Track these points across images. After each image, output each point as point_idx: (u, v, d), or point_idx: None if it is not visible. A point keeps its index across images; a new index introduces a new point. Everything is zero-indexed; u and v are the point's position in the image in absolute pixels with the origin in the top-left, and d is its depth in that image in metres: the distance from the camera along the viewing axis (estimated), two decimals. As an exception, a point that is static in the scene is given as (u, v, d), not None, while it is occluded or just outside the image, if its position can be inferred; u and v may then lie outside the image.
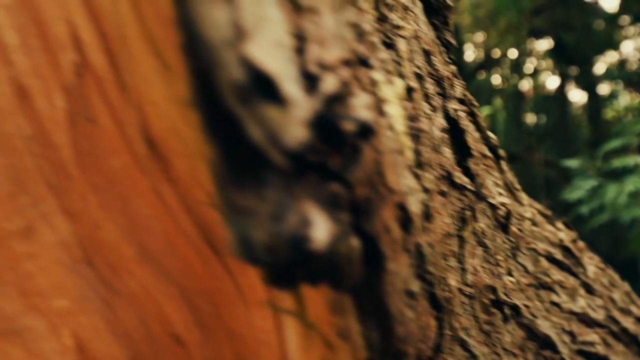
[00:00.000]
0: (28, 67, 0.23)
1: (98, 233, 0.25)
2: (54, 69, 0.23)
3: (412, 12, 0.38)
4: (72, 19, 0.23)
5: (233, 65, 0.16)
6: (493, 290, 0.40)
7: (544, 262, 0.52)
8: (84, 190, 0.25)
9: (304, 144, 0.17)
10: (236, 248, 0.19)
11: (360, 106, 0.20)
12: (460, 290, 0.35)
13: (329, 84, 0.19)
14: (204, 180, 0.25)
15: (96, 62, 0.23)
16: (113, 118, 0.24)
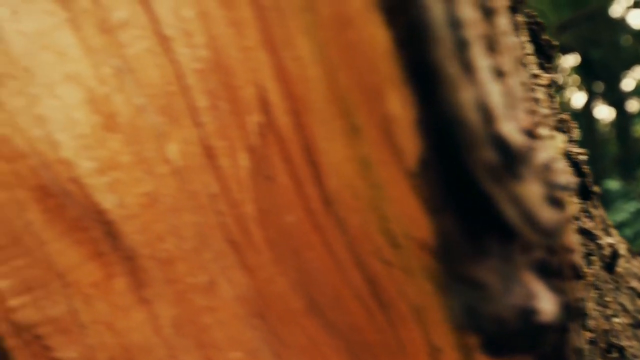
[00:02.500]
0: (215, 128, 0.24)
1: (271, 287, 0.26)
2: (239, 130, 0.24)
3: (530, 55, 0.38)
4: (262, 82, 0.24)
5: (486, 144, 0.16)
6: (606, 333, 0.40)
7: (638, 300, 0.52)
8: (260, 246, 0.25)
9: (557, 222, 0.17)
10: (458, 317, 0.19)
11: (563, 170, 0.21)
12: (585, 337, 0.35)
13: (544, 153, 0.19)
14: (375, 236, 0.25)
15: (281, 122, 0.24)
16: (291, 176, 0.25)
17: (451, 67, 0.16)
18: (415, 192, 0.23)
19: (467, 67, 0.17)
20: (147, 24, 0.23)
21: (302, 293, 0.26)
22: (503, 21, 0.23)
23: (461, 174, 0.16)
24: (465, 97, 0.16)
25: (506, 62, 0.22)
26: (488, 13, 0.21)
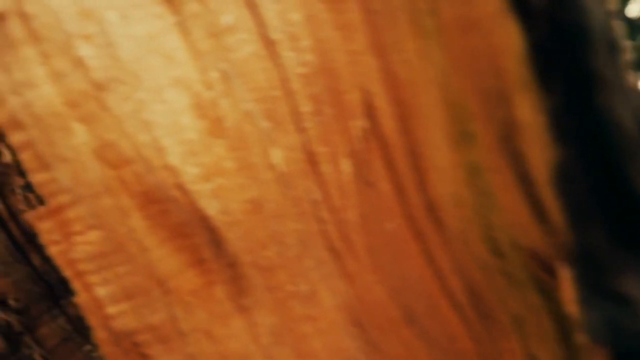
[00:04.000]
0: (318, 133, 0.23)
1: (369, 295, 0.25)
2: (342, 135, 0.24)
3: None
4: (368, 87, 0.23)
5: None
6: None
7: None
8: (360, 253, 0.25)
9: None
10: (594, 330, 0.18)
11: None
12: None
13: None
14: (478, 244, 0.25)
15: (386, 128, 0.23)
16: (392, 182, 0.24)
17: (608, 71, 0.16)
18: (529, 201, 0.22)
19: (617, 71, 0.16)
20: (254, 27, 0.22)
21: (399, 302, 0.25)
22: (618, 24, 0.22)
23: (615, 183, 0.16)
24: (619, 102, 0.16)
25: (625, 65, 0.22)
26: (608, 16, 0.20)
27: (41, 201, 0.36)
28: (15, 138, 0.22)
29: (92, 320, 0.24)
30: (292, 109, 0.23)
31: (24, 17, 0.21)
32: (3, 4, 0.21)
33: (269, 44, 0.23)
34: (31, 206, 0.36)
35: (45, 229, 0.24)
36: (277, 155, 0.23)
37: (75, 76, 0.22)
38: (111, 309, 0.24)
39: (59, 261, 0.24)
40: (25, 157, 0.23)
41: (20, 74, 0.22)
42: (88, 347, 0.32)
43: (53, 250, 0.24)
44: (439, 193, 0.24)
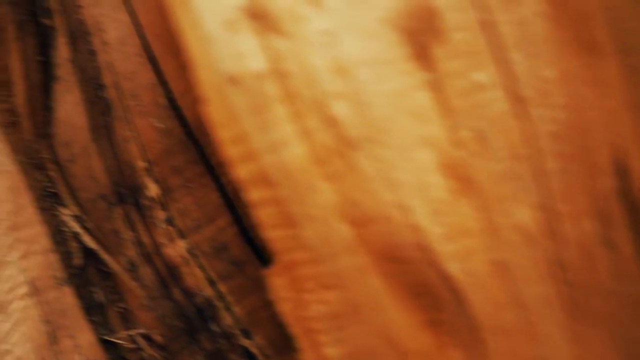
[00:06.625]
0: (562, 192, 0.22)
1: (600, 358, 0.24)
2: (588, 194, 0.23)
3: None
4: (622, 145, 0.22)
5: None
6: None
7: None
8: (597, 317, 0.23)
9: None
10: None
11: None
12: None
13: None
14: None
15: (638, 188, 0.22)
16: (638, 244, 0.23)
17: None
18: None
19: None
20: (504, 84, 0.22)
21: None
22: None
23: None
24: None
25: None
26: None
27: (183, 235, 0.36)
28: (258, 194, 0.22)
29: (317, 379, 0.24)
30: (539, 167, 0.22)
31: (281, 75, 0.21)
32: (262, 64, 0.21)
33: (519, 101, 0.22)
34: (171, 240, 0.36)
35: (278, 285, 0.23)
36: (521, 215, 0.22)
37: (325, 134, 0.22)
38: (340, 370, 0.23)
39: (289, 318, 0.23)
40: (267, 213, 0.22)
41: (274, 132, 0.21)
42: (225, 383, 0.32)
43: (284, 307, 0.23)
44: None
